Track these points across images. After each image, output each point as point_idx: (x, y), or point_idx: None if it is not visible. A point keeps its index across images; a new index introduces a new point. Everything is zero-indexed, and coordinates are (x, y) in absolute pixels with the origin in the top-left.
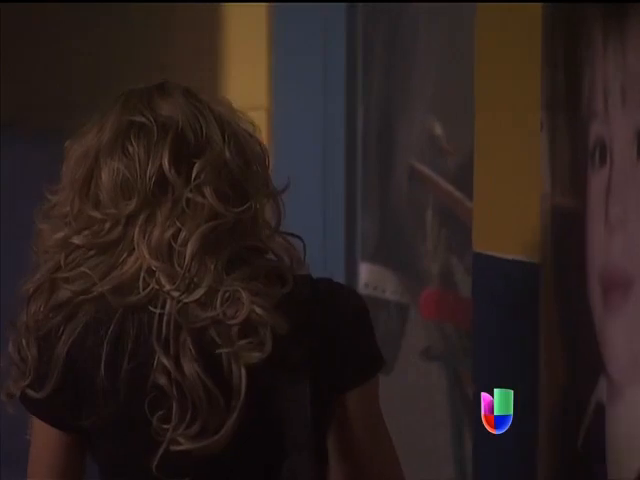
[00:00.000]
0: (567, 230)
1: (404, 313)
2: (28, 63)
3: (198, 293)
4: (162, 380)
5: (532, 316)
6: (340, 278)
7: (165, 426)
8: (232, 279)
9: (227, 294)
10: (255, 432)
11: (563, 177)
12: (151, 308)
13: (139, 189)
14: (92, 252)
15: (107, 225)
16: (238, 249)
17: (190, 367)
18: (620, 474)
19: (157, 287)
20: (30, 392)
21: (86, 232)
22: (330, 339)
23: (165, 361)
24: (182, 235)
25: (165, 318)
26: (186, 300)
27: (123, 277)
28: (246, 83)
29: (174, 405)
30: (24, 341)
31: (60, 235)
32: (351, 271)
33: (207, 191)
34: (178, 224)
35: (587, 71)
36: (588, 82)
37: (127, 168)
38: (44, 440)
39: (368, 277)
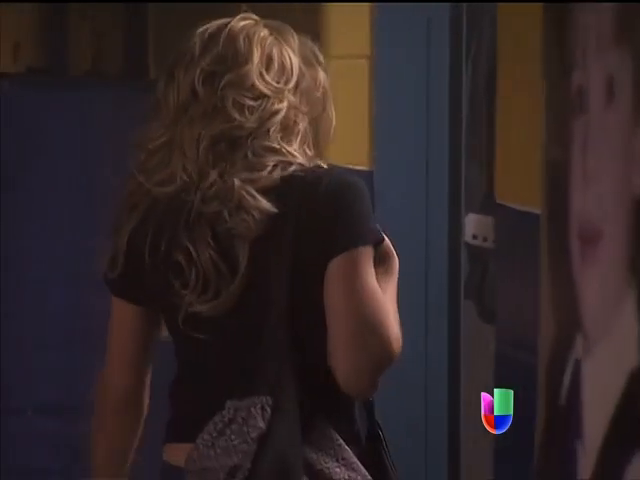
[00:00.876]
0: (558, 181)
1: None
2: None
3: (207, 182)
4: (181, 257)
5: (536, 268)
6: (443, 228)
7: (184, 292)
8: (235, 169)
9: (227, 182)
10: (250, 297)
11: (555, 128)
12: (183, 196)
13: (176, 101)
14: (153, 153)
15: (160, 131)
16: (254, 148)
17: (203, 247)
18: (593, 429)
19: (187, 179)
20: (108, 273)
21: (151, 135)
22: (318, 215)
23: (185, 241)
24: (202, 135)
25: (190, 205)
26: (201, 187)
27: (166, 173)
28: (349, 32)
29: (192, 276)
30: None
31: (139, 140)
32: (455, 221)
33: (228, 102)
34: (201, 126)
35: (571, 25)
36: (571, 34)
37: (170, 86)
38: (121, 315)
39: (476, 228)
